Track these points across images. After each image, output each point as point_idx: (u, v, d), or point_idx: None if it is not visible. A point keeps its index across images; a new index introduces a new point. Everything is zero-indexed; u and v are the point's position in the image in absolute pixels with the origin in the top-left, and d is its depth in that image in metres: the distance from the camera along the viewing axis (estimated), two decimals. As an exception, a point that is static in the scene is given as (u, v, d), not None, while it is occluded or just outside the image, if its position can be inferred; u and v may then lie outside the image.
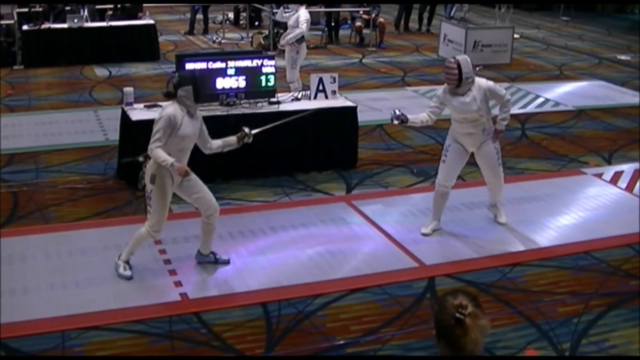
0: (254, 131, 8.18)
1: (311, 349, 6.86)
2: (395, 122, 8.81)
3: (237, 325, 7.16)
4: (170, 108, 7.51)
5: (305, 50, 14.12)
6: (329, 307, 7.53)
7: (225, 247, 8.62)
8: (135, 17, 19.66)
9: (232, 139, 8.07)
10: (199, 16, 22.92)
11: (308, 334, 7.07)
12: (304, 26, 13.46)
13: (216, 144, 8.02)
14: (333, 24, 21.95)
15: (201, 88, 7.78)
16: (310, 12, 14.20)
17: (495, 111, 9.07)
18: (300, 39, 13.61)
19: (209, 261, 8.26)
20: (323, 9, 21.70)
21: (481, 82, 8.74)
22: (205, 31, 22.79)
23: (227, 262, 8.31)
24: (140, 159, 7.73)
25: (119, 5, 20.04)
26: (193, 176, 7.80)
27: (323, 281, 8.02)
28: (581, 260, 8.63)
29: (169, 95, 7.63)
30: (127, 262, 7.98)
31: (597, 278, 8.25)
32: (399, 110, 8.85)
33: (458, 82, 8.55)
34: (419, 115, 8.99)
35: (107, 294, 7.60)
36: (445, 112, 9.02)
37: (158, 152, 7.34)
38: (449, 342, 3.55)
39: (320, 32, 21.97)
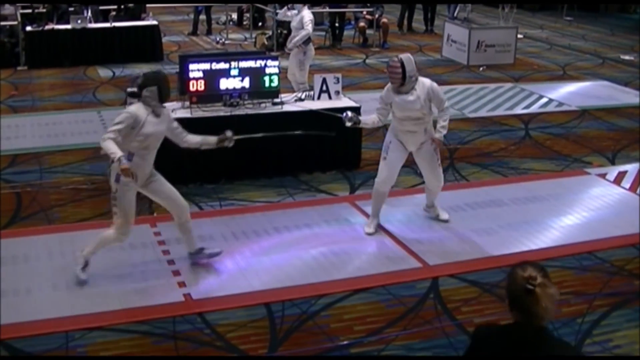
0: (236, 137, 8.17)
1: (315, 349, 6.86)
2: (348, 123, 9.02)
3: (240, 326, 7.16)
4: (133, 106, 7.52)
5: (313, 51, 14.09)
6: (332, 308, 7.53)
7: (228, 248, 8.62)
8: (139, 18, 19.67)
9: (212, 138, 8.07)
10: (202, 17, 22.93)
11: (312, 334, 7.08)
12: (309, 27, 13.45)
13: (194, 140, 8.02)
14: (337, 24, 21.86)
15: (167, 88, 7.68)
16: (313, 13, 14.17)
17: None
18: (307, 40, 13.59)
19: (202, 258, 8.24)
20: (327, 10, 21.63)
21: (425, 81, 8.86)
22: (209, 32, 22.79)
23: (218, 254, 8.28)
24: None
25: (122, 6, 20.06)
26: (159, 177, 7.81)
27: (327, 281, 8.02)
28: (585, 261, 8.62)
29: (133, 95, 7.60)
30: (87, 263, 7.81)
31: (601, 278, 8.24)
32: (351, 112, 9.05)
33: (402, 81, 8.64)
34: (370, 117, 9.15)
35: (110, 295, 7.60)
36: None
37: (108, 144, 7.23)
38: (521, 310, 3.86)
39: (324, 33, 21.92)
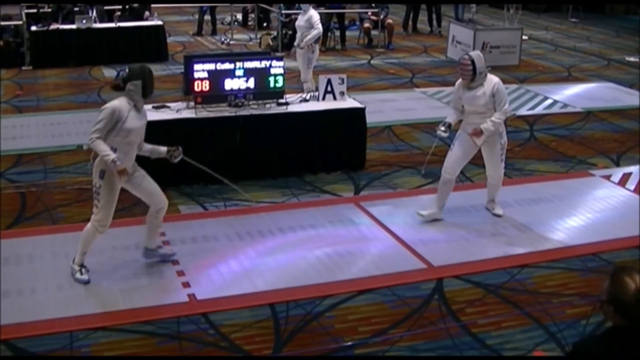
0: (182, 157, 8.16)
1: (319, 349, 6.85)
2: (445, 134, 9.45)
3: (245, 326, 7.16)
4: (115, 101, 7.52)
5: (318, 50, 14.25)
6: (337, 308, 7.53)
7: (233, 248, 8.64)
8: (143, 18, 19.66)
9: (162, 149, 8.05)
10: (207, 17, 22.94)
11: (316, 335, 7.08)
12: (320, 26, 13.77)
13: (146, 147, 7.99)
14: (337, 25, 21.63)
15: (151, 83, 7.71)
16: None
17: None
18: (316, 40, 13.78)
19: (156, 256, 8.27)
20: (324, 10, 21.35)
21: (493, 78, 9.24)
22: (214, 32, 22.81)
23: (172, 256, 8.35)
24: (84, 147, 7.62)
25: (127, 7, 20.07)
26: (142, 172, 7.86)
27: (331, 282, 8.02)
28: (589, 262, 8.61)
29: (117, 88, 7.59)
30: (83, 266, 7.88)
31: (606, 280, 8.20)
32: (444, 125, 9.44)
33: (472, 77, 9.06)
34: (451, 116, 9.55)
35: (115, 295, 7.61)
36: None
37: (99, 144, 7.31)
38: (628, 316, 3.88)
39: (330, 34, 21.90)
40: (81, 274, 7.84)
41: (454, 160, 9.40)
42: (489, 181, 9.75)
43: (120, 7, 19.98)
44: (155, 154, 8.06)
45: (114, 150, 7.41)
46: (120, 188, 7.73)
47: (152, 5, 21.11)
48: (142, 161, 8.04)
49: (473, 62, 9.02)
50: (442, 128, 9.40)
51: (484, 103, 9.09)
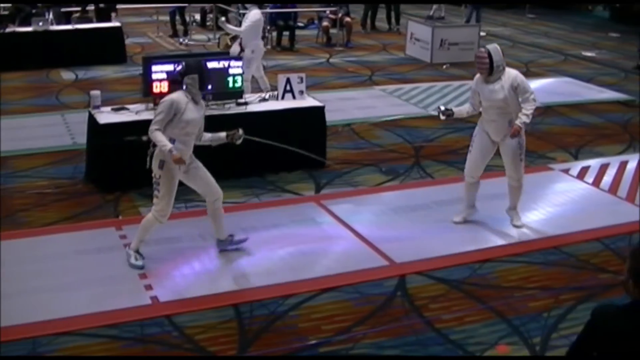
0: (243, 137, 8.43)
1: (284, 349, 6.86)
2: (442, 117, 9.25)
3: (209, 327, 7.15)
4: (173, 94, 7.83)
5: (262, 50, 14.14)
6: (300, 307, 7.54)
7: (195, 249, 8.61)
8: (108, 19, 19.53)
9: (222, 135, 8.34)
10: (166, 18, 22.81)
11: (280, 335, 7.08)
12: (243, 27, 13.59)
13: (206, 137, 8.30)
14: (281, 23, 21.38)
15: (207, 76, 8.05)
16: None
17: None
18: (254, 38, 13.59)
19: (232, 246, 8.57)
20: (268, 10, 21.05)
21: (512, 71, 9.05)
22: (174, 34, 22.59)
23: (244, 240, 8.67)
24: (144, 138, 7.87)
25: (85, 8, 19.91)
26: (198, 164, 8.15)
27: (294, 281, 8.02)
28: (551, 255, 8.70)
29: (174, 83, 7.88)
30: (138, 252, 8.16)
31: (567, 272, 8.32)
32: (444, 106, 9.31)
33: (490, 70, 8.84)
34: (463, 107, 9.39)
35: (78, 299, 7.54)
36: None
37: (158, 135, 7.64)
38: None
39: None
40: (136, 259, 8.12)
41: (475, 162, 9.26)
42: (509, 182, 9.39)
43: (79, 8, 19.82)
44: (215, 141, 8.38)
45: (173, 141, 7.72)
46: (178, 178, 8.03)
47: (118, 7, 20.91)
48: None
49: (490, 55, 8.80)
50: (442, 117, 9.25)
51: (502, 98, 8.85)
